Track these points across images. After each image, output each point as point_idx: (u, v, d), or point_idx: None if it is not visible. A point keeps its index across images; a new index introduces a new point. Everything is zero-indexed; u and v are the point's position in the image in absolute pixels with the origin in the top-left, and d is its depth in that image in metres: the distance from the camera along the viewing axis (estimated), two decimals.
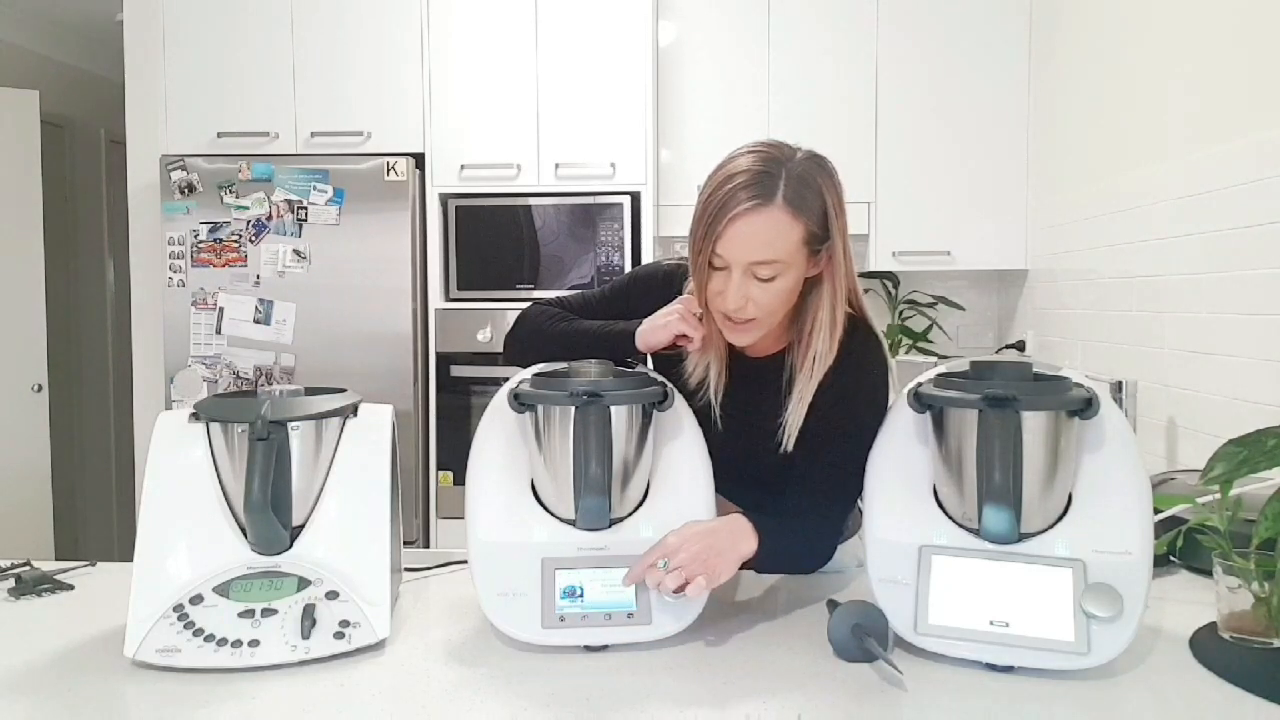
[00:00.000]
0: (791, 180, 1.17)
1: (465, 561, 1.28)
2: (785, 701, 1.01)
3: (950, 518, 1.15)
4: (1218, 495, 1.16)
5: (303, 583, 1.15)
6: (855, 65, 3.13)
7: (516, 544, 1.19)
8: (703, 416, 1.32)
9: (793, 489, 1.29)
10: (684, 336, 1.27)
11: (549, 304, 1.43)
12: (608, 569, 1.17)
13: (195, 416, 1.20)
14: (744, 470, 1.34)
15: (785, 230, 1.17)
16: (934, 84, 3.13)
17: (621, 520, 1.21)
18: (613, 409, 1.16)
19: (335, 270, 2.93)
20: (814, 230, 1.20)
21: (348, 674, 1.09)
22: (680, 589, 1.12)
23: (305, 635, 1.11)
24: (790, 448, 1.28)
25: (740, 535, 1.19)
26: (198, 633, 1.10)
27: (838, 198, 1.21)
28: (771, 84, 3.14)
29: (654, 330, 1.28)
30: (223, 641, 1.10)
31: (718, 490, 1.28)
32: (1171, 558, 1.44)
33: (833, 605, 1.16)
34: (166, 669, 1.09)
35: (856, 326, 1.29)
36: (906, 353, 3.26)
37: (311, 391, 1.25)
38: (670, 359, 1.35)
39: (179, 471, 1.19)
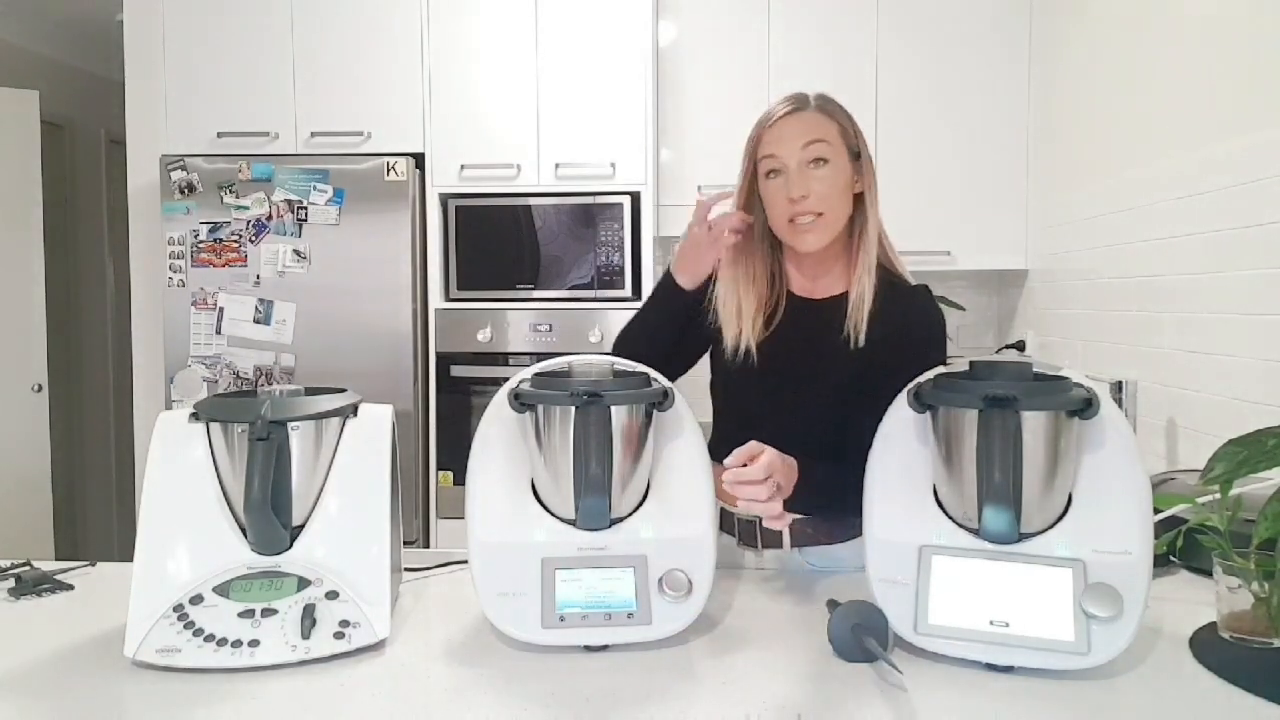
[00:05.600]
0: (818, 96, 1.44)
1: (465, 561, 1.28)
2: (785, 701, 1.01)
3: (950, 518, 1.15)
4: (1218, 495, 1.16)
5: (303, 583, 1.15)
6: (855, 65, 3.13)
7: (516, 544, 1.19)
8: (744, 368, 1.43)
9: (854, 443, 1.29)
10: (730, 234, 1.42)
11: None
12: (608, 569, 1.17)
13: (195, 416, 1.20)
14: (783, 419, 1.40)
15: (823, 122, 1.40)
16: (934, 83, 3.12)
17: (621, 520, 1.21)
18: (613, 409, 1.16)
19: (335, 270, 2.93)
20: (847, 128, 1.41)
21: (348, 674, 1.09)
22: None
23: (305, 635, 1.11)
24: (860, 341, 1.38)
25: (790, 468, 1.28)
26: (198, 633, 1.10)
27: (857, 126, 1.44)
28: (771, 84, 3.14)
29: (689, 259, 1.44)
30: (223, 641, 1.10)
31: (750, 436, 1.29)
32: (1171, 558, 1.44)
33: (833, 605, 1.16)
34: (166, 669, 1.09)
35: (901, 280, 1.45)
36: None
37: (311, 391, 1.25)
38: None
39: (179, 471, 1.19)
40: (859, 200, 1.43)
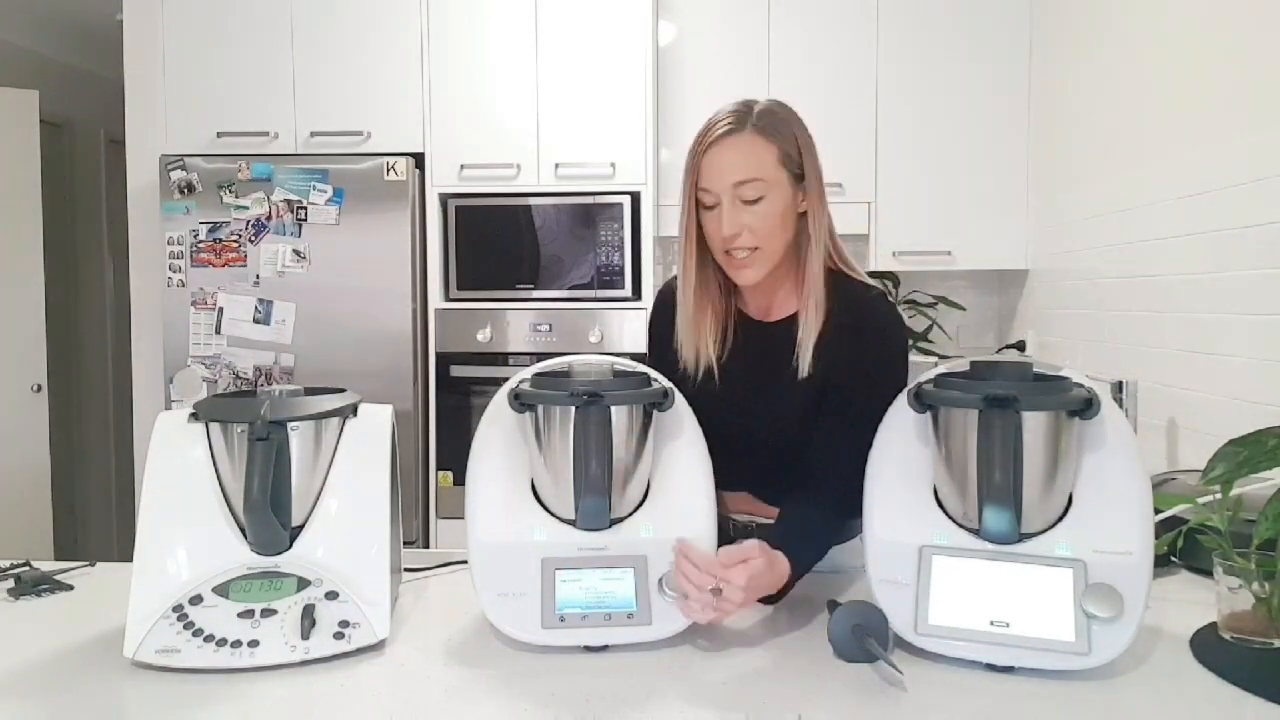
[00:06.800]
0: (760, 113, 1.30)
1: (465, 561, 1.28)
2: (785, 702, 1.01)
3: (950, 518, 1.15)
4: (1218, 495, 1.16)
5: (302, 583, 1.15)
6: (855, 65, 3.13)
7: (516, 544, 1.19)
8: (704, 390, 1.35)
9: (815, 457, 1.28)
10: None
11: None
12: (608, 569, 1.17)
13: (195, 416, 1.20)
14: (745, 443, 1.35)
15: (759, 149, 1.28)
16: (934, 84, 3.12)
17: (621, 520, 1.21)
18: (613, 409, 1.16)
19: (335, 270, 2.93)
20: (789, 152, 1.29)
21: (348, 674, 1.09)
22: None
23: (305, 636, 1.11)
24: (807, 370, 1.30)
25: (779, 578, 1.18)
26: (197, 633, 1.10)
27: (805, 134, 1.32)
28: (771, 84, 3.14)
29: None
30: (222, 642, 1.09)
31: (717, 463, 1.28)
32: (1172, 558, 1.44)
33: (833, 605, 1.16)
34: (166, 669, 1.09)
35: (856, 285, 1.34)
36: None
37: (311, 391, 1.25)
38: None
39: (179, 471, 1.19)
40: (803, 218, 1.32)
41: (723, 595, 1.10)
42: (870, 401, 1.25)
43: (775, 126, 1.30)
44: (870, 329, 1.32)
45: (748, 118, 1.29)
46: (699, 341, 1.36)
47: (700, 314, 1.36)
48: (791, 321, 1.34)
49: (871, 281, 1.37)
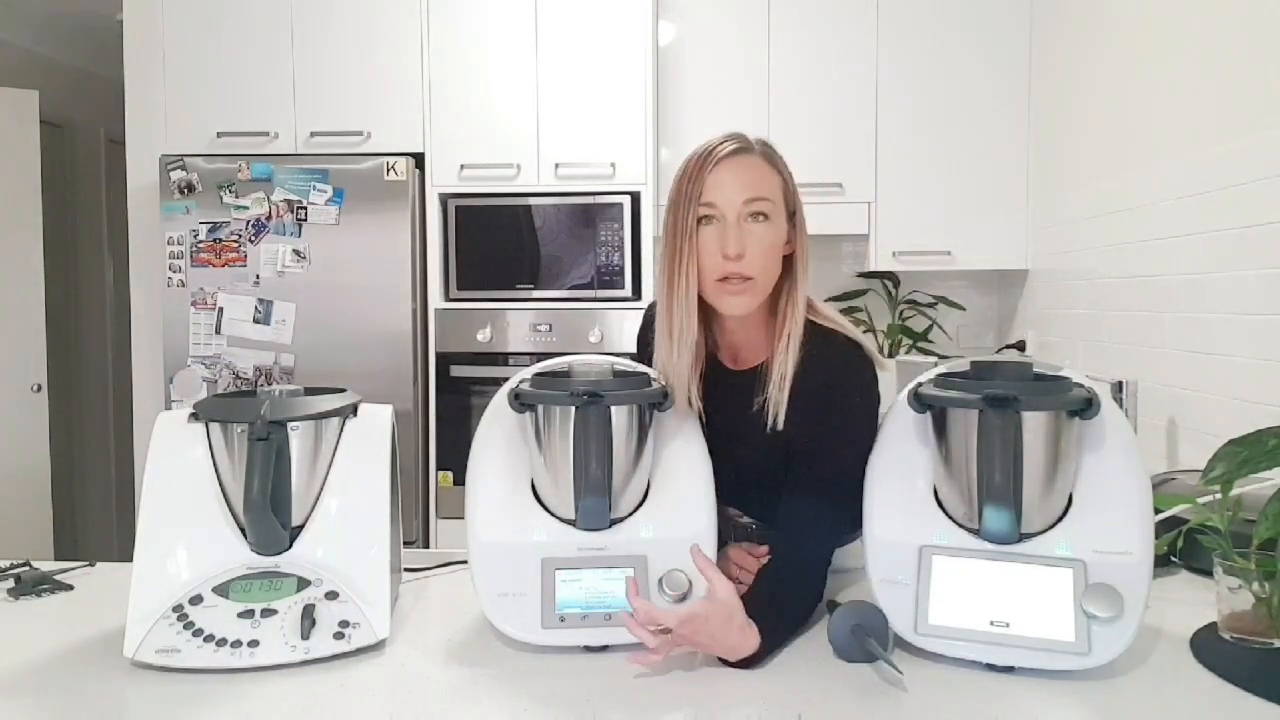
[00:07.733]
0: (761, 142, 1.30)
1: (465, 561, 1.28)
2: (785, 702, 1.01)
3: (950, 518, 1.15)
4: (1218, 495, 1.16)
5: (302, 583, 1.15)
6: (855, 65, 3.13)
7: (516, 544, 1.19)
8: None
9: (784, 515, 1.24)
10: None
11: None
12: (608, 569, 1.17)
13: (195, 416, 1.20)
14: (734, 472, 1.32)
15: (768, 173, 1.27)
16: (934, 84, 3.12)
17: (621, 520, 1.21)
18: (613, 409, 1.16)
19: (335, 270, 2.93)
20: (789, 183, 1.29)
21: (348, 674, 1.09)
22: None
23: (305, 635, 1.11)
24: (780, 426, 1.24)
25: (742, 646, 1.09)
26: (197, 633, 1.10)
27: (792, 177, 1.31)
28: (771, 84, 3.14)
29: None
30: (222, 642, 1.10)
31: None
32: (1172, 558, 1.44)
33: (833, 605, 1.16)
34: (166, 669, 1.09)
35: (826, 333, 1.28)
36: (907, 353, 3.26)
37: (311, 391, 1.25)
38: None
39: (178, 471, 1.19)
40: (788, 262, 1.28)
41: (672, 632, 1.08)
42: (837, 457, 1.23)
43: (776, 158, 1.29)
44: (838, 384, 1.26)
45: (752, 143, 1.27)
46: (675, 379, 1.27)
47: (683, 359, 1.27)
48: (758, 371, 1.29)
49: (847, 329, 1.30)
